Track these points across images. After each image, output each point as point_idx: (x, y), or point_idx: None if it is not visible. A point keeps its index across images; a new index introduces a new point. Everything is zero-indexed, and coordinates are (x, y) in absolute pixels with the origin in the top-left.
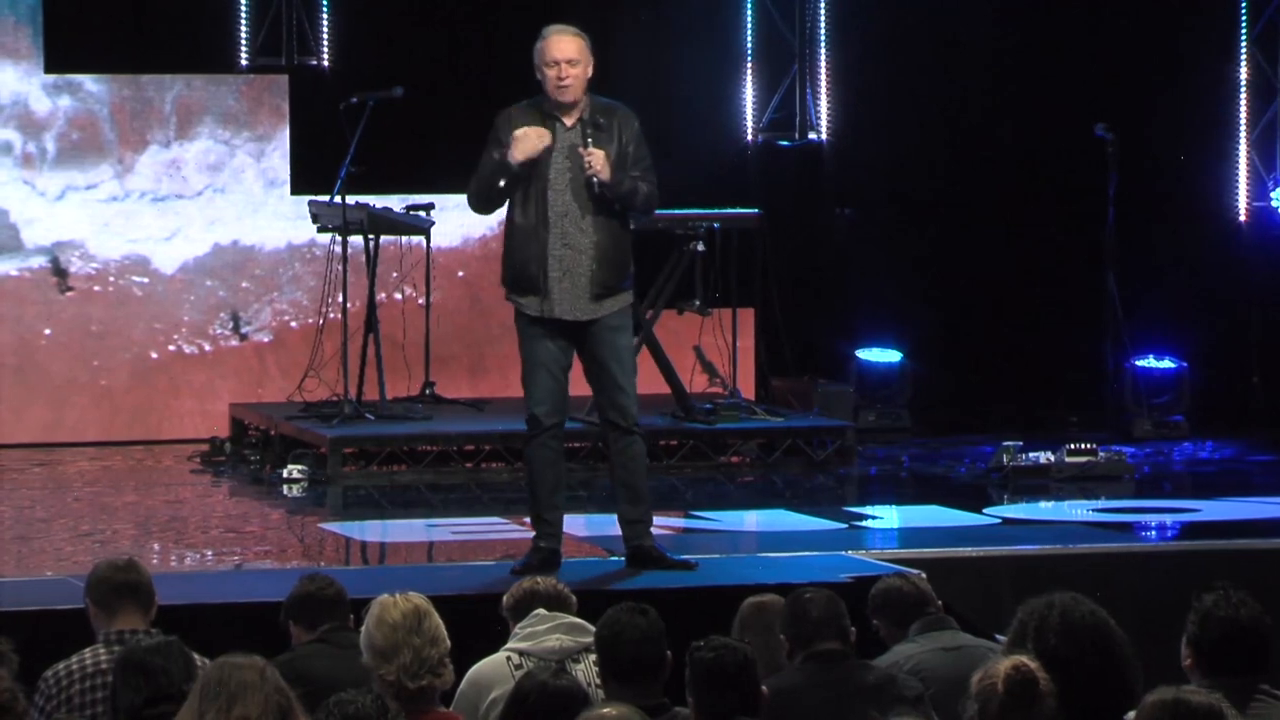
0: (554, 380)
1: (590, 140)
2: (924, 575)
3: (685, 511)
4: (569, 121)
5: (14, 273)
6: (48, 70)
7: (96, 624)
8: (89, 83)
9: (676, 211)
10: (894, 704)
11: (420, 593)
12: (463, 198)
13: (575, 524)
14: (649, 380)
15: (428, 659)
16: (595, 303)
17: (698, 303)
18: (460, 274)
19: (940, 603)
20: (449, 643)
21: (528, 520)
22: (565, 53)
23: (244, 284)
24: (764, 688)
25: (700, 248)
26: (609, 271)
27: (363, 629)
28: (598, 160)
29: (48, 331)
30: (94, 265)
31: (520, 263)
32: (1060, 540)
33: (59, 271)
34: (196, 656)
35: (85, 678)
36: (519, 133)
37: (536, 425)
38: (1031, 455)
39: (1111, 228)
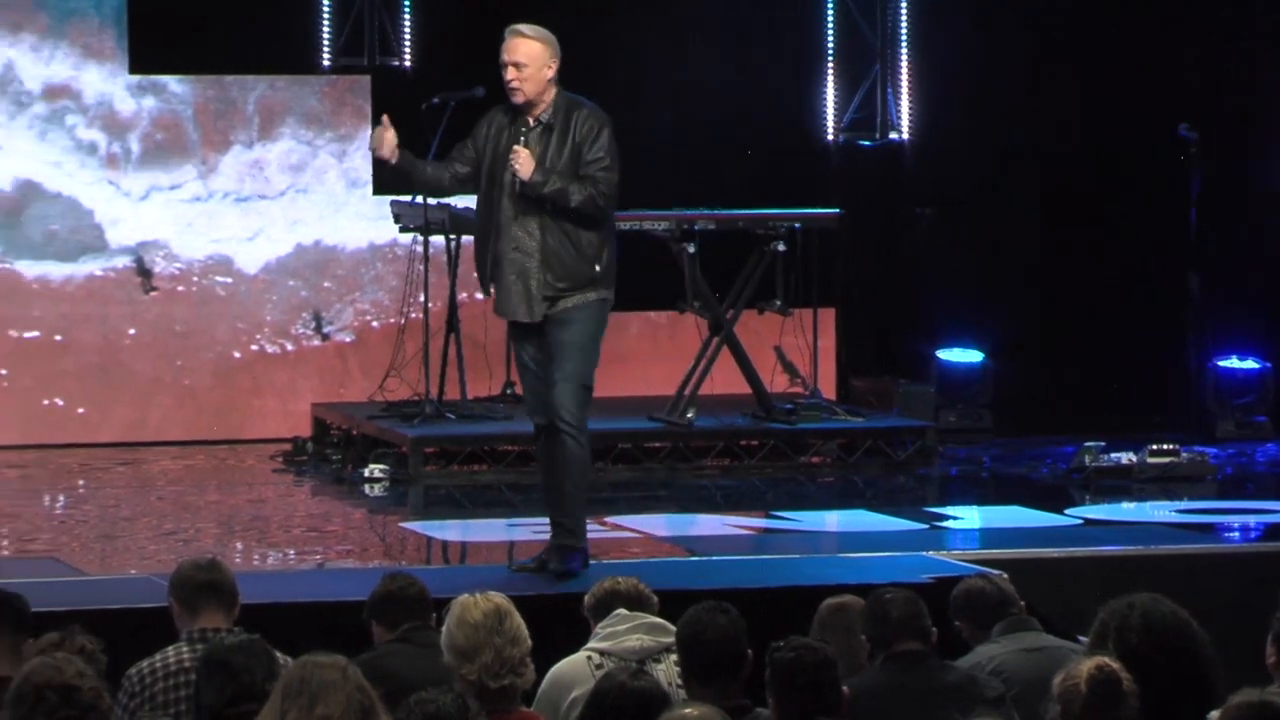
0: (536, 380)
1: (525, 140)
2: (1006, 576)
3: (766, 511)
4: (531, 121)
5: (99, 273)
6: (132, 71)
7: (180, 623)
8: (173, 83)
9: (757, 211)
10: (975, 705)
11: (501, 592)
12: None
13: (655, 524)
14: (730, 380)
15: (509, 659)
16: (548, 305)
17: (778, 302)
18: None
19: (1023, 603)
20: (530, 642)
21: (608, 520)
22: (513, 55)
23: (326, 284)
24: (844, 688)
25: (781, 247)
26: (558, 274)
27: (444, 629)
28: (517, 159)
29: (132, 331)
30: (177, 265)
31: (480, 264)
32: (1142, 541)
33: (143, 271)
34: (279, 655)
35: (168, 676)
36: (376, 130)
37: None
38: (1113, 456)
39: (1194, 227)
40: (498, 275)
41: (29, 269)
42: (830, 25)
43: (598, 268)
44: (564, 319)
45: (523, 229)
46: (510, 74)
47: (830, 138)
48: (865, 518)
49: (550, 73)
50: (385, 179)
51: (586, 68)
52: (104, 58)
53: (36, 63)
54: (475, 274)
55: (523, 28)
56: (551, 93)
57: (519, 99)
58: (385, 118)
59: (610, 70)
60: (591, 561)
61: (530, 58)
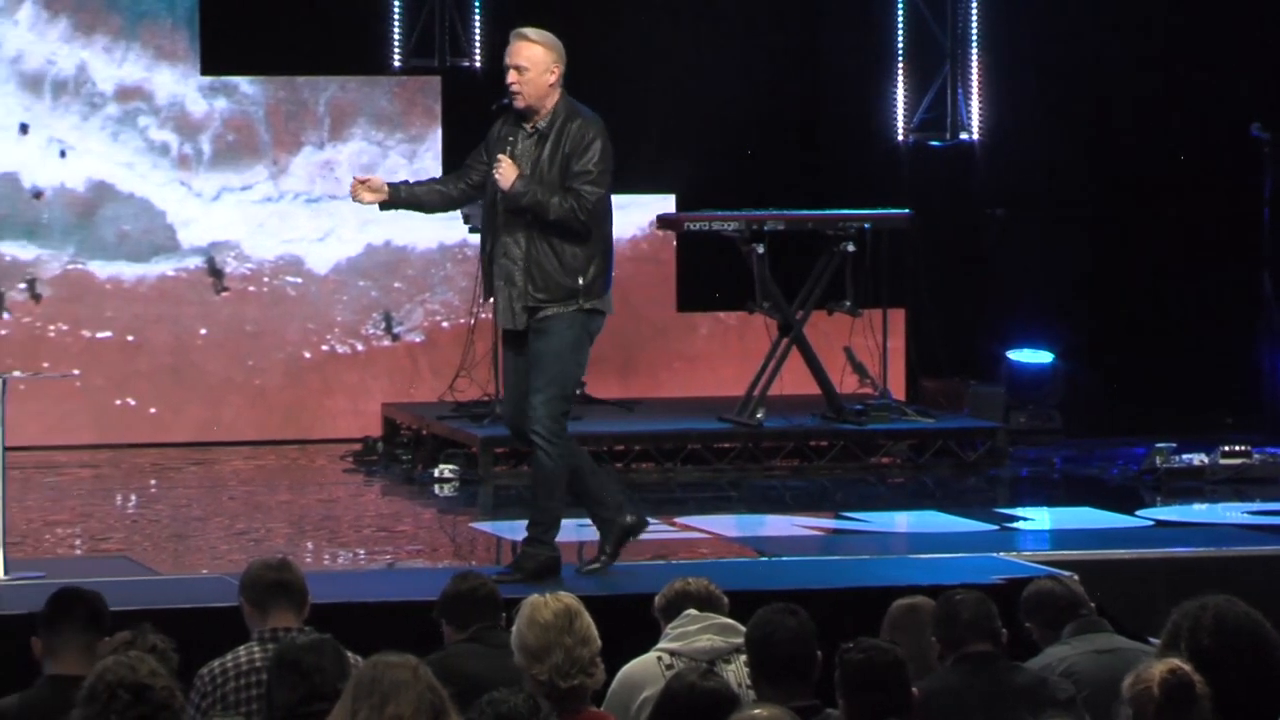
0: (514, 389)
1: (517, 147)
2: (1076, 577)
3: (835, 512)
4: (529, 129)
5: (170, 273)
6: (204, 72)
7: (251, 622)
8: (244, 84)
9: (827, 212)
10: (1046, 706)
11: (571, 592)
12: (614, 198)
13: (725, 525)
14: (799, 380)
15: (579, 659)
16: (529, 314)
17: (848, 303)
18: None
19: (1093, 605)
20: (599, 642)
21: (678, 520)
22: (515, 58)
23: (396, 284)
24: (914, 690)
25: (851, 248)
26: (539, 284)
27: (514, 629)
28: (499, 169)
29: (203, 331)
30: (249, 265)
31: (482, 270)
32: (1214, 543)
33: (215, 272)
34: (350, 655)
35: (240, 675)
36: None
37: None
38: (1185, 457)
39: (1267, 227)
40: (490, 282)
41: (102, 270)
42: (900, 25)
43: (581, 280)
44: (543, 328)
45: (510, 237)
46: (511, 77)
47: (900, 138)
48: (935, 519)
49: (552, 78)
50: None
51: (657, 67)
52: (176, 59)
53: (109, 64)
54: None
55: (528, 31)
56: (553, 99)
57: (519, 103)
58: (354, 180)
59: (680, 70)
60: (661, 561)
61: (532, 62)
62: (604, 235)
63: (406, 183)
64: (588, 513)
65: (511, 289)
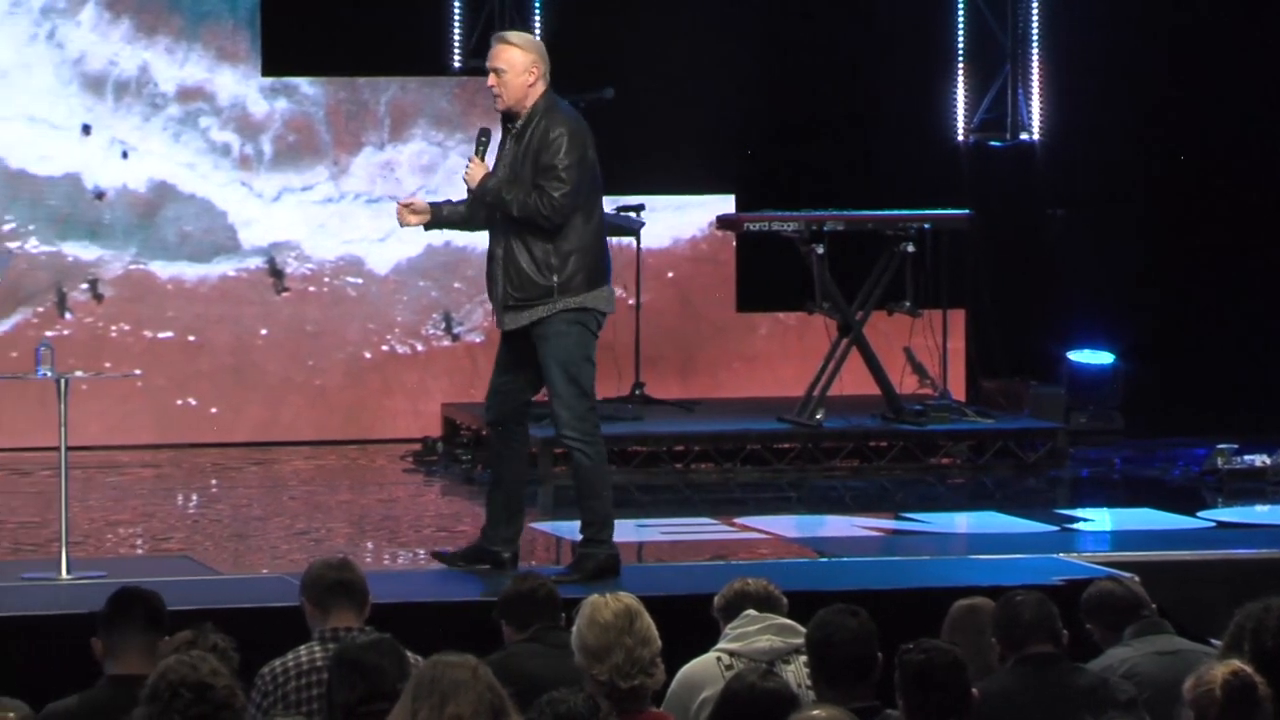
0: (498, 379)
1: (483, 149)
2: (1137, 579)
3: (895, 513)
4: (512, 129)
5: (231, 273)
6: (265, 73)
7: (312, 622)
8: (305, 85)
9: (887, 212)
10: (1107, 708)
11: (630, 593)
12: (673, 199)
13: (785, 525)
14: (859, 381)
15: (639, 659)
16: (511, 313)
17: (908, 303)
18: (670, 275)
19: (1154, 606)
20: (660, 643)
21: (737, 521)
22: (494, 61)
23: (456, 284)
24: (974, 690)
25: (910, 248)
26: (515, 284)
27: (574, 629)
28: (468, 169)
29: (264, 331)
30: (309, 266)
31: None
32: (1276, 544)
33: (275, 272)
34: (409, 655)
35: (301, 675)
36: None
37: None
38: (1247, 458)
39: None
40: (485, 280)
41: (163, 270)
42: (961, 25)
43: (556, 278)
44: (542, 334)
45: (496, 239)
46: (490, 80)
47: (960, 138)
48: (995, 519)
49: (530, 79)
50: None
51: (717, 67)
52: (237, 60)
53: (171, 65)
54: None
55: (508, 35)
56: (532, 99)
57: (500, 105)
58: (398, 206)
59: (739, 70)
60: (720, 562)
61: (509, 64)
62: (586, 232)
63: (449, 201)
64: (489, 507)
65: (495, 289)
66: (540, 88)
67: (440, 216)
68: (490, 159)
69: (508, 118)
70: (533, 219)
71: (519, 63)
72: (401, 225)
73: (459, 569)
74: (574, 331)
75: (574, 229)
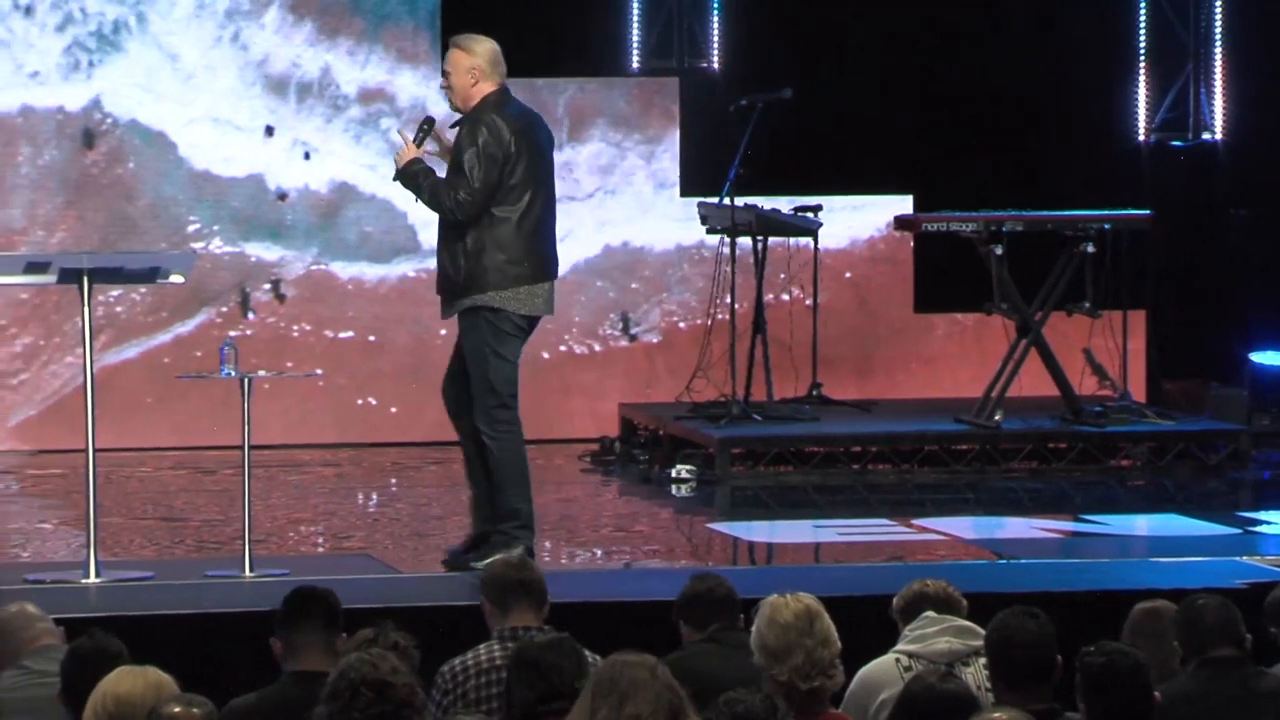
0: (448, 375)
1: (420, 134)
2: None
3: (1074, 515)
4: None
5: (411, 273)
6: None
7: (491, 620)
8: None
9: (1066, 213)
10: None
11: (808, 593)
12: (851, 199)
13: (962, 526)
14: (1038, 382)
15: (819, 660)
16: (446, 305)
17: (1087, 304)
18: (848, 275)
19: None
20: (839, 644)
21: (915, 522)
22: (445, 64)
23: (633, 285)
24: (1156, 694)
25: (1090, 249)
26: (439, 277)
27: (753, 628)
28: (402, 150)
29: (443, 331)
30: None
31: None
32: None
33: None
34: (588, 654)
35: (481, 673)
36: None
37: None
38: None
39: None
40: None
41: (344, 270)
42: (1143, 24)
43: (463, 275)
44: (462, 328)
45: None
46: (441, 82)
47: (1141, 138)
48: (1176, 522)
49: (471, 80)
50: None
51: (895, 67)
52: (418, 61)
53: (352, 66)
54: (781, 275)
55: (456, 38)
56: (476, 99)
57: (450, 107)
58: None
59: (918, 70)
60: (899, 563)
61: (454, 66)
62: (505, 232)
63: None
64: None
65: (437, 282)
66: (484, 88)
67: (409, 173)
68: (429, 148)
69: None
70: (439, 211)
71: (461, 64)
72: (398, 144)
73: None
74: (483, 328)
75: (491, 228)
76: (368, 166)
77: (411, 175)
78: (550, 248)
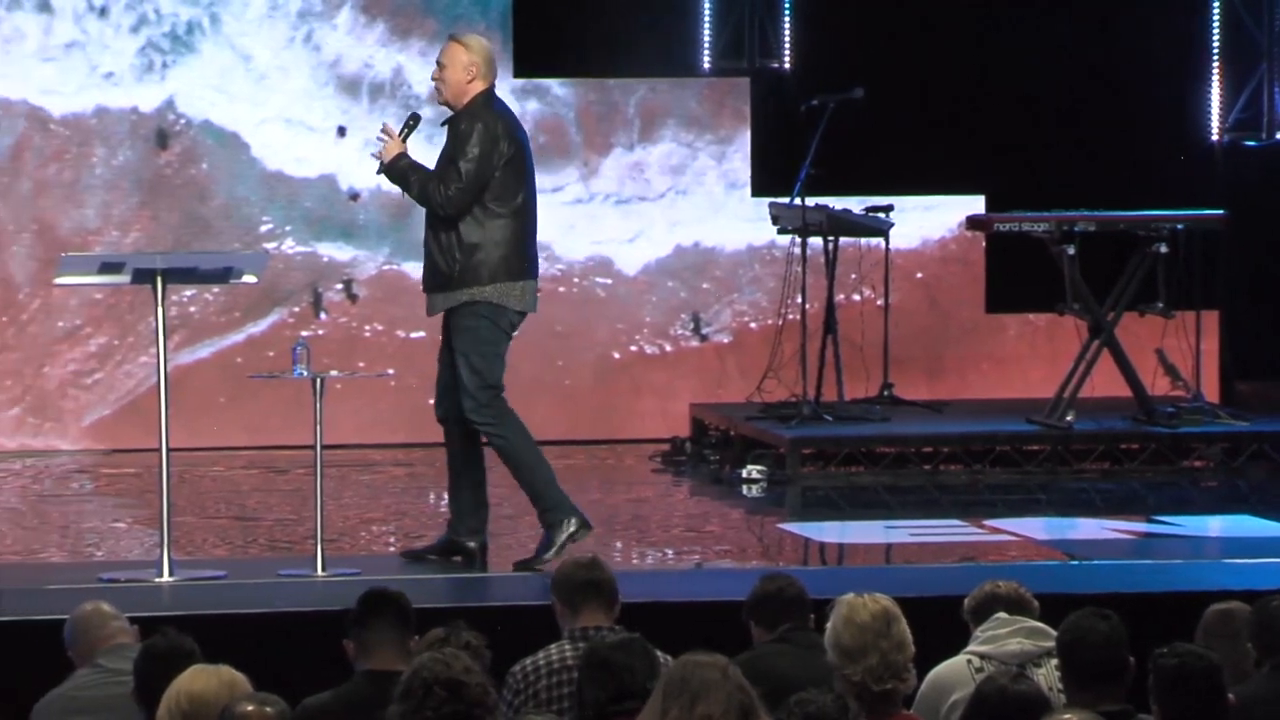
0: (440, 377)
1: (405, 129)
2: None
3: (1147, 516)
4: (449, 122)
5: None
6: (516, 74)
7: (562, 620)
8: (556, 86)
9: (1139, 213)
10: None
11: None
12: (922, 199)
13: (1034, 527)
14: (1110, 383)
15: (894, 664)
16: (429, 298)
17: (1160, 304)
18: (919, 275)
19: None
20: (914, 648)
21: (986, 522)
22: (439, 56)
23: (704, 285)
24: (1230, 696)
25: (1163, 249)
26: (428, 270)
27: (829, 627)
28: (387, 144)
29: (515, 333)
30: (559, 267)
31: None
32: None
33: None
34: (659, 654)
35: (552, 673)
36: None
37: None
38: None
39: None
40: None
41: (415, 270)
42: (1216, 23)
43: (456, 269)
44: (455, 325)
45: (425, 222)
46: (434, 73)
47: (1215, 138)
48: (1250, 523)
49: (467, 77)
50: None
51: (966, 67)
52: None
53: (424, 67)
54: (852, 275)
55: (456, 33)
56: (469, 96)
57: (439, 99)
58: (387, 127)
59: (989, 70)
60: (970, 564)
61: (451, 60)
62: (496, 229)
63: (415, 163)
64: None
65: (424, 277)
66: (478, 86)
67: (397, 167)
68: (412, 143)
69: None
70: (429, 205)
71: (460, 60)
72: (377, 139)
73: (431, 563)
74: (482, 326)
75: (481, 223)
76: None
77: (400, 170)
78: (536, 245)
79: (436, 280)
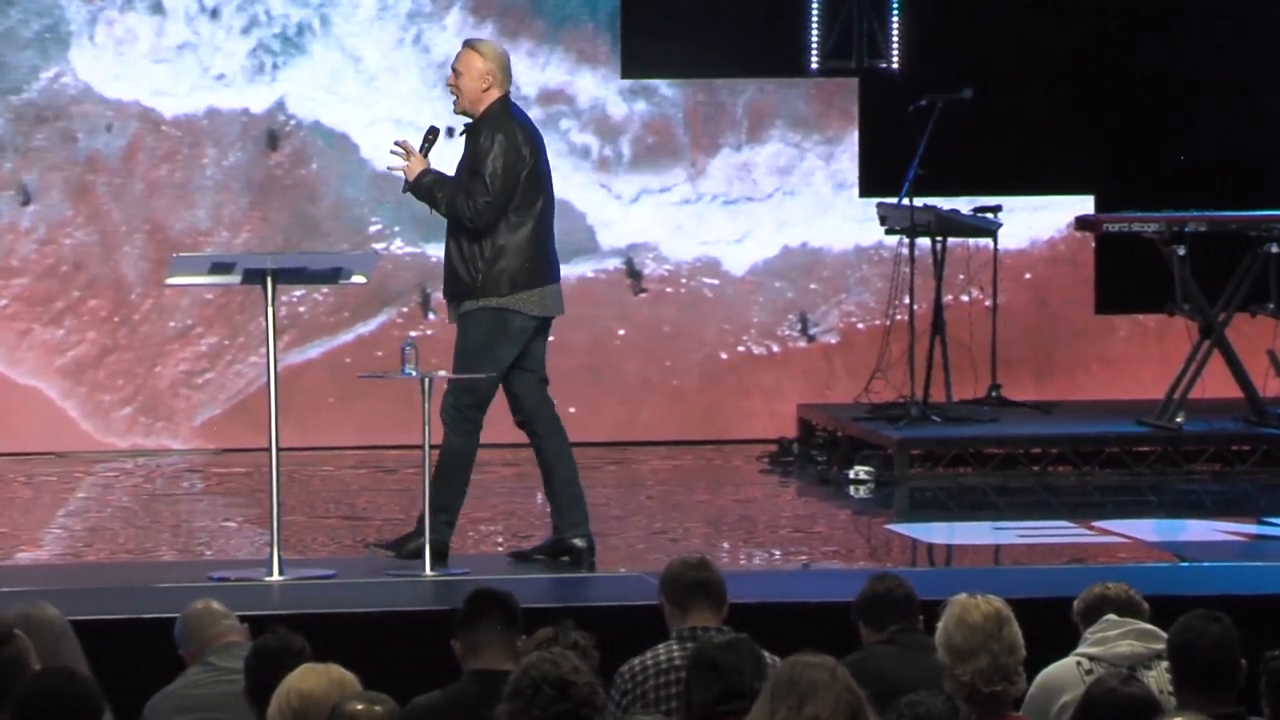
0: (506, 377)
1: (425, 144)
2: None
3: (1258, 518)
4: (467, 131)
5: (590, 274)
6: (624, 75)
7: (670, 620)
8: (663, 87)
9: (1250, 213)
10: None
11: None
12: (1031, 199)
13: (1143, 529)
14: (1221, 384)
15: (1004, 666)
16: (450, 306)
17: (1272, 305)
18: (1027, 276)
19: None
20: (1024, 651)
21: (1096, 524)
22: (455, 63)
23: (812, 285)
24: None
25: (1275, 249)
26: (448, 279)
27: (940, 626)
28: (410, 162)
29: (621, 332)
30: (666, 267)
31: None
32: None
33: (633, 273)
34: (766, 655)
35: (660, 673)
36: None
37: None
38: None
39: None
40: None
41: None
42: None
43: (479, 278)
44: (460, 326)
45: (446, 232)
46: (449, 80)
47: None
48: None
49: (484, 85)
50: None
51: (1075, 68)
52: (597, 62)
53: (533, 68)
54: (960, 276)
55: (473, 40)
56: (485, 104)
57: (456, 107)
58: (404, 144)
59: (1101, 69)
60: (1079, 565)
61: (467, 68)
62: (517, 237)
63: (439, 174)
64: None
65: (444, 285)
66: (495, 94)
67: (422, 184)
68: (433, 157)
69: (466, 118)
70: (458, 220)
71: (476, 68)
72: (391, 153)
73: (539, 563)
74: (484, 326)
75: (502, 233)
76: None
77: (425, 188)
78: (555, 250)
79: (458, 289)
